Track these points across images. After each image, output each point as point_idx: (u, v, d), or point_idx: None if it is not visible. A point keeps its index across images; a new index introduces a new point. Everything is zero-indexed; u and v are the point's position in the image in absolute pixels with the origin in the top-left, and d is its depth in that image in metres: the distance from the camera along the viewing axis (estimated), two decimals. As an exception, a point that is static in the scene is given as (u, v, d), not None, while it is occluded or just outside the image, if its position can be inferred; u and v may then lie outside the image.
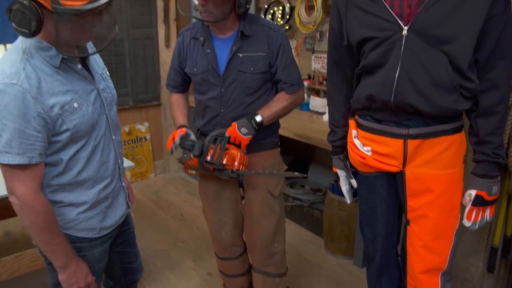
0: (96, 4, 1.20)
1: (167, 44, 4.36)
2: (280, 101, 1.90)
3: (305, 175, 2.16)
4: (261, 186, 1.99)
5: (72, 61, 1.35)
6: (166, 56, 4.38)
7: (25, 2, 1.14)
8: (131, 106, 4.29)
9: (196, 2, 3.48)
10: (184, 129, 1.86)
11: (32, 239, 1.43)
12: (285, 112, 1.94)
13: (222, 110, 1.90)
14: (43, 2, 1.16)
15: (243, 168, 1.78)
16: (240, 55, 1.83)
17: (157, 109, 4.56)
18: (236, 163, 1.75)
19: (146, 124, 4.49)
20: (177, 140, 1.82)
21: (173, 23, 4.35)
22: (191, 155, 1.79)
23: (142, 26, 4.20)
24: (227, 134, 1.79)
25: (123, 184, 1.60)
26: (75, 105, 1.32)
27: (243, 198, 2.10)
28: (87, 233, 1.47)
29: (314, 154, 3.88)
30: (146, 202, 4.01)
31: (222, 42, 1.86)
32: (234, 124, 1.81)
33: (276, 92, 1.97)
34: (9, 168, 1.25)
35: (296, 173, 1.74)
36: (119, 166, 1.55)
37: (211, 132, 1.91)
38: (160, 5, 4.23)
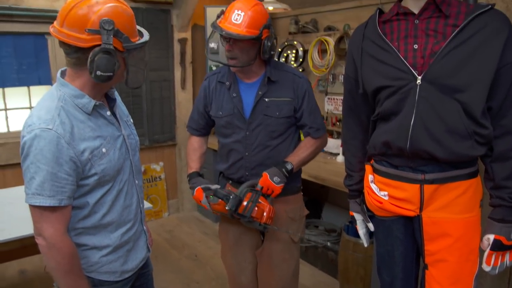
0: (146, 38, 1.38)
1: (183, 86, 4.48)
2: (306, 146, 1.95)
3: (327, 243, 2.15)
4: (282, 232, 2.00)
5: (102, 108, 1.43)
6: (181, 98, 4.49)
7: (110, 47, 1.27)
8: (147, 146, 4.38)
9: (211, 46, 3.56)
10: (200, 188, 1.91)
11: (55, 281, 1.46)
12: (312, 157, 1.99)
13: (247, 153, 1.94)
14: (116, 46, 1.30)
15: (270, 221, 1.82)
16: (266, 99, 1.90)
17: (172, 149, 4.64)
18: (264, 216, 1.80)
19: (161, 163, 4.56)
20: (204, 199, 1.88)
21: (189, 65, 4.49)
22: (219, 200, 1.83)
23: (159, 68, 4.33)
24: (259, 185, 1.83)
25: (144, 227, 1.63)
26: (104, 150, 1.39)
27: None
28: (109, 276, 1.49)
29: (328, 195, 3.88)
30: (160, 241, 4.01)
31: (247, 87, 1.94)
32: (266, 175, 1.84)
33: (299, 136, 2.01)
34: (39, 210, 1.30)
35: (328, 243, 1.76)
36: (141, 210, 1.58)
37: (234, 175, 1.96)
38: (177, 48, 4.39)
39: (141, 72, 1.46)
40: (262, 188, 1.84)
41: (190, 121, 2.16)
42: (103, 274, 1.47)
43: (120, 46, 1.30)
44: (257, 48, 1.83)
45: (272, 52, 1.87)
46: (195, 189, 1.94)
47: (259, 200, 1.81)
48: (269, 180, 1.83)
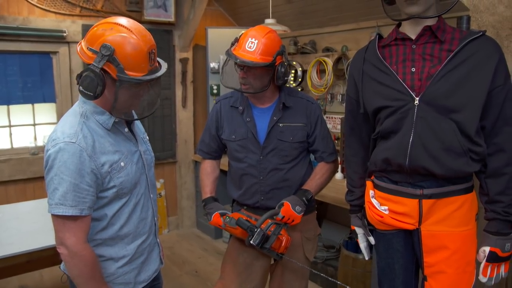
0: (153, 76, 1.40)
1: (184, 104, 4.57)
2: (322, 172, 2.00)
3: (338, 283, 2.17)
4: (298, 250, 2.03)
5: (120, 124, 1.51)
6: (182, 116, 4.58)
7: (96, 70, 1.32)
8: (148, 163, 4.42)
9: (212, 65, 3.59)
10: (217, 214, 1.92)
11: None
12: (327, 182, 2.03)
13: (261, 177, 1.97)
14: (110, 72, 1.34)
15: (286, 251, 1.84)
16: (280, 124, 1.94)
17: (172, 167, 4.70)
18: (282, 247, 1.82)
19: (162, 180, 4.61)
20: (223, 224, 1.88)
21: (190, 84, 4.58)
22: (237, 226, 1.81)
23: (161, 87, 4.38)
24: (281, 214, 1.83)
25: (158, 240, 1.69)
26: (122, 164, 1.46)
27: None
28: (123, 287, 1.54)
29: (326, 211, 3.93)
30: (161, 258, 4.03)
31: (261, 112, 1.98)
32: (288, 204, 1.83)
33: (310, 159, 2.07)
34: (61, 219, 1.36)
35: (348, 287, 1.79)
36: (155, 223, 1.65)
37: (249, 200, 1.98)
38: (178, 68, 4.49)
39: (136, 106, 1.50)
40: (283, 217, 1.83)
41: (201, 145, 2.16)
42: (117, 285, 1.53)
43: (114, 74, 1.34)
44: (270, 74, 1.86)
45: (285, 78, 1.90)
46: (213, 215, 1.94)
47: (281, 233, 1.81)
48: (291, 210, 1.83)
